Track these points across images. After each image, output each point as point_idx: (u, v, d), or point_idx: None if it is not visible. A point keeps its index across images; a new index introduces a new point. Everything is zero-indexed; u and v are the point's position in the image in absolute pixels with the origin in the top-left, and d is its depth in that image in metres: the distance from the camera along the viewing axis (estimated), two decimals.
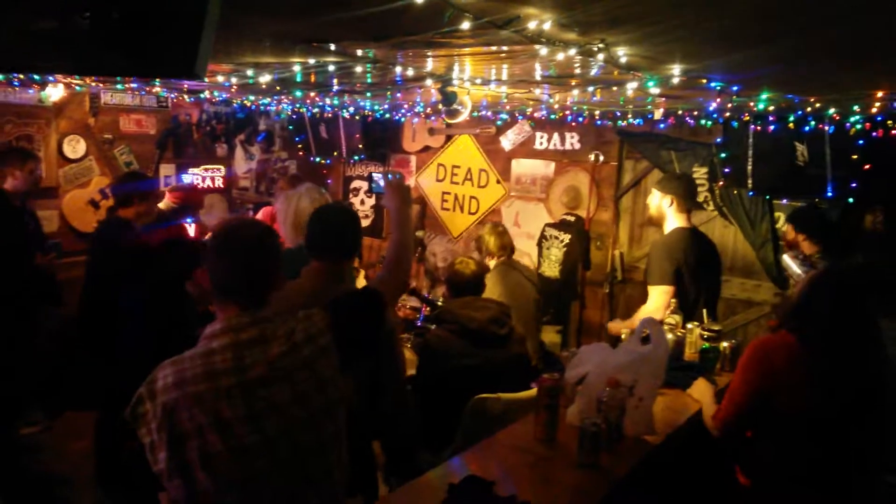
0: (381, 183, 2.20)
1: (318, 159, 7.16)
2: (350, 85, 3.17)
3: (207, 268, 1.67)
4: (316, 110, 6.51)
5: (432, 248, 6.81)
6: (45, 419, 4.63)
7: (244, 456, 1.54)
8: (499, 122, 6.12)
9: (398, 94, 3.49)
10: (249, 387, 1.57)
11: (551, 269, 5.74)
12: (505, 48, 2.19)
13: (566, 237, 5.68)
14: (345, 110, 6.14)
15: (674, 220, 3.58)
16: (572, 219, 5.77)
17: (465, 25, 1.66)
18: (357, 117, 6.49)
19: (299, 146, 7.17)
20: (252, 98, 5.26)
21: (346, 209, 2.60)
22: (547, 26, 1.84)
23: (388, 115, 6.18)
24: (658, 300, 3.35)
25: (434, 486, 2.02)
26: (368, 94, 3.44)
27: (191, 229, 5.94)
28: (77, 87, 4.97)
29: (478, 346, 3.01)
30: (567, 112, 4.76)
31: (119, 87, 4.47)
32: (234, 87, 3.65)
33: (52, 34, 1.17)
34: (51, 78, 4.60)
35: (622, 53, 2.34)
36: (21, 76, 4.55)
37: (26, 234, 4.39)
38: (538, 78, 2.60)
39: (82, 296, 3.95)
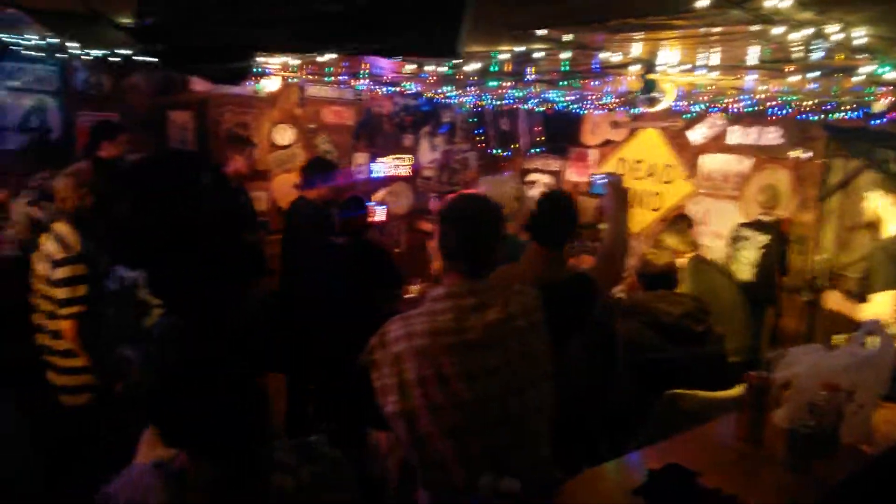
0: (601, 183, 2.24)
1: (497, 151, 7.28)
2: (545, 74, 3.20)
3: (438, 235, 1.80)
4: (497, 103, 6.63)
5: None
6: None
7: (460, 410, 1.65)
8: (686, 116, 5.86)
9: (595, 83, 3.46)
10: (466, 347, 1.67)
11: (743, 272, 5.39)
12: (721, 29, 2.10)
13: (763, 238, 5.30)
14: (526, 103, 6.19)
15: None
16: (770, 219, 5.38)
17: (702, 3, 1.62)
18: (538, 110, 6.52)
19: (479, 138, 7.34)
20: (445, 89, 5.46)
21: (568, 196, 2.67)
22: (784, 4, 1.75)
23: (570, 108, 6.14)
24: (883, 307, 3.07)
25: (627, 471, 2.01)
26: (563, 83, 3.44)
27: (381, 213, 6.32)
28: (290, 79, 5.45)
29: (672, 341, 2.93)
30: (770, 104, 4.45)
31: (327, 79, 4.84)
32: (433, 77, 3.82)
33: (332, 16, 1.32)
34: (268, 70, 5.08)
35: (860, 34, 2.16)
36: None
37: (241, 212, 4.90)
38: (750, 63, 2.47)
39: (280, 268, 4.37)
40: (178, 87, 5.39)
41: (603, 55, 2.69)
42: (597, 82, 3.40)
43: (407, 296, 5.49)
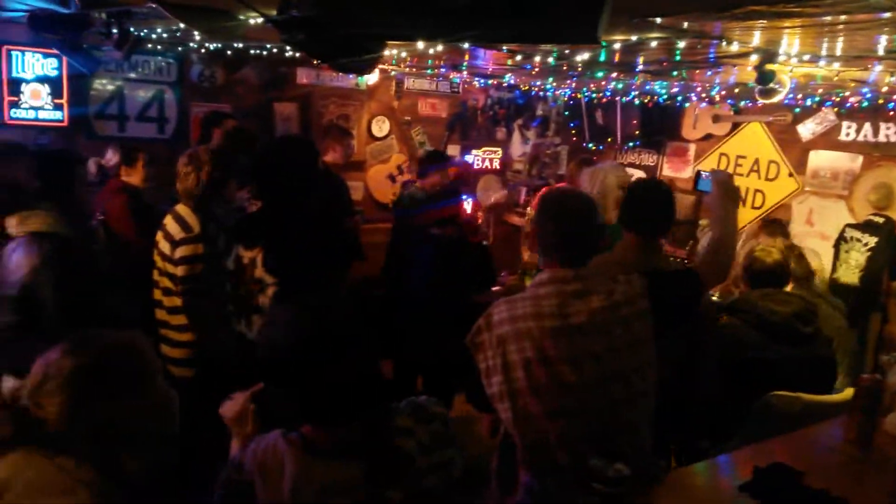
0: (708, 180, 2.20)
1: (590, 145, 7.20)
2: (654, 64, 3.15)
3: (537, 228, 1.84)
4: (593, 95, 6.56)
5: (704, 243, 6.50)
6: None
7: (564, 392, 1.68)
8: (797, 110, 5.61)
9: (708, 73, 3.38)
10: (570, 332, 1.70)
11: (849, 275, 5.14)
12: (846, 17, 2.02)
13: (871, 240, 5.04)
14: (626, 95, 6.10)
15: None
16: (881, 220, 5.09)
17: None
18: (636, 103, 6.40)
19: (573, 131, 7.28)
20: (541, 82, 5.45)
21: (664, 185, 2.63)
22: None
23: (669, 101, 6.00)
24: None
25: (731, 468, 1.98)
26: (674, 73, 3.38)
27: (468, 205, 6.37)
28: (400, 72, 5.59)
29: (777, 342, 2.84)
30: (892, 97, 4.20)
31: (428, 71, 4.93)
32: (536, 69, 3.84)
33: (473, 5, 1.37)
34: None
35: None
36: None
37: (339, 200, 5.07)
38: (881, 53, 2.35)
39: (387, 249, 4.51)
40: (284, 80, 5.63)
41: (722, 43, 2.62)
42: (709, 73, 3.32)
43: (495, 288, 5.55)
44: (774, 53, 2.48)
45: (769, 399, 2.72)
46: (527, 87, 6.43)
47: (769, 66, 2.69)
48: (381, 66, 5.46)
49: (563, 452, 1.69)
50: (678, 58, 2.86)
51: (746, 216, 6.15)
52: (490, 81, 6.09)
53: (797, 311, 2.86)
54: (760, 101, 4.55)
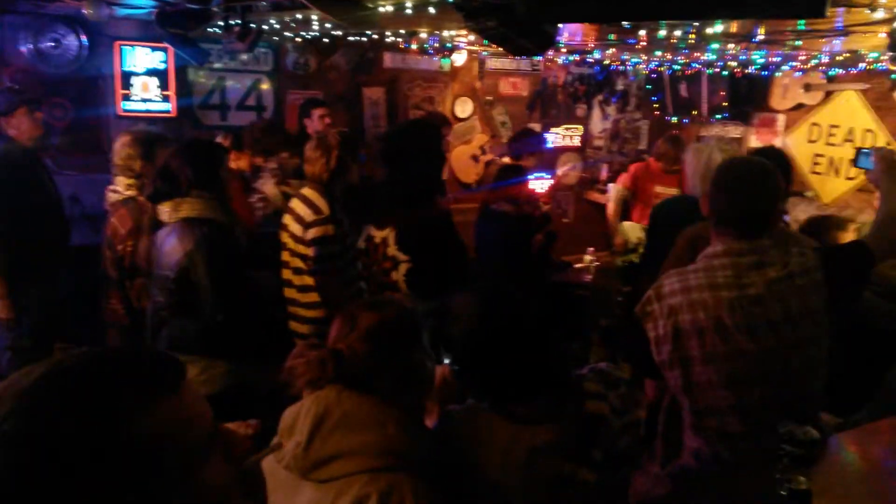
0: (869, 157, 2.17)
1: (674, 118, 7.10)
2: (774, 35, 3.11)
3: (710, 198, 1.88)
4: (677, 68, 6.45)
5: (796, 215, 6.35)
6: None
7: (740, 359, 1.73)
8: (894, 76, 5.41)
9: (835, 43, 3.31)
10: (748, 301, 1.74)
11: None
12: None
13: None
14: (714, 66, 5.98)
15: None
16: None
17: None
18: (724, 73, 6.27)
19: (655, 105, 7.19)
20: (625, 56, 5.41)
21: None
22: None
23: (764, 72, 5.86)
24: None
25: (876, 435, 2.00)
26: (797, 42, 3.32)
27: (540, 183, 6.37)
28: (483, 52, 5.64)
29: None
30: None
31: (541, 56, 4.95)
32: (642, 42, 3.82)
33: None
34: (461, 45, 5.29)
35: None
36: (436, 45, 5.32)
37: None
38: None
39: None
40: (372, 65, 5.74)
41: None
42: (837, 41, 3.25)
43: (579, 266, 5.57)
44: None
45: None
46: (608, 62, 6.37)
47: None
48: (468, 48, 5.51)
49: (735, 420, 1.74)
50: (802, 26, 2.81)
51: (839, 186, 5.99)
52: (571, 58, 6.05)
53: None
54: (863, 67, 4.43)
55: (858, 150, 2.28)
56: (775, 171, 1.89)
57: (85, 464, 0.65)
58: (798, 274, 1.78)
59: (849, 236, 3.17)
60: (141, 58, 4.77)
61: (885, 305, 2.83)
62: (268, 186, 3.79)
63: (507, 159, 5.07)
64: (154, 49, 4.78)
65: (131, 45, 4.71)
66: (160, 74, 4.85)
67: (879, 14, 2.36)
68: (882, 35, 2.73)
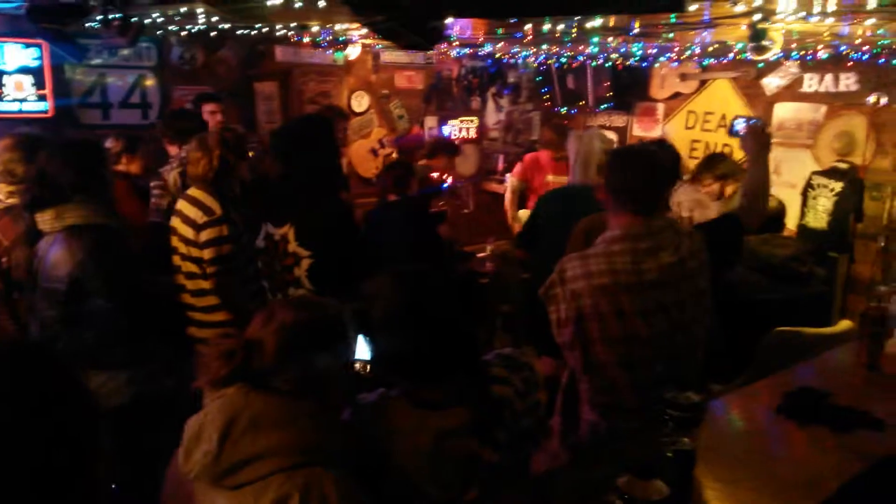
0: (740, 128, 2.37)
1: (562, 109, 7.37)
2: (649, 27, 3.30)
3: (606, 180, 1.97)
4: (564, 61, 6.70)
5: (677, 198, 6.75)
6: None
7: (635, 342, 1.85)
8: (760, 65, 5.86)
9: (705, 34, 3.55)
10: (644, 287, 1.86)
11: (817, 220, 5.46)
12: None
13: (837, 186, 5.35)
14: (597, 59, 6.25)
15: None
16: (845, 166, 5.41)
17: None
18: (606, 66, 6.57)
19: (545, 97, 7.43)
20: (516, 50, 5.56)
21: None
22: None
23: (637, 62, 6.18)
24: None
25: (761, 395, 2.19)
26: (671, 35, 3.53)
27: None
28: (377, 46, 5.63)
29: (777, 283, 3.08)
30: (858, 49, 4.45)
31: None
32: (529, 36, 3.95)
33: None
34: (354, 38, 5.26)
35: None
36: (328, 38, 5.27)
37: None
38: (872, 7, 2.52)
39: None
40: (262, 58, 5.61)
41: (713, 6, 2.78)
42: (705, 34, 3.48)
43: (480, 255, 5.71)
44: (773, 11, 2.65)
45: (773, 336, 2.96)
46: (500, 55, 6.52)
47: (762, 25, 2.87)
48: (362, 41, 5.49)
49: (631, 395, 1.86)
50: (673, 19, 3.01)
51: None
52: (464, 51, 6.16)
53: (794, 254, 3.10)
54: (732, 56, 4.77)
55: (732, 122, 2.48)
56: (660, 155, 2.02)
57: None
58: (688, 257, 1.92)
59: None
60: (12, 55, 4.44)
61: (756, 278, 3.09)
62: (172, 174, 3.63)
63: (394, 154, 5.13)
64: (27, 45, 4.47)
65: (1, 42, 4.39)
66: (35, 72, 4.54)
67: (740, 8, 2.58)
68: (744, 27, 2.97)
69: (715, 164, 3.95)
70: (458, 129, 7.05)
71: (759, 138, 2.34)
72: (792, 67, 5.72)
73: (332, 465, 1.30)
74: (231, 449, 1.28)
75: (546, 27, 3.39)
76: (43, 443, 0.90)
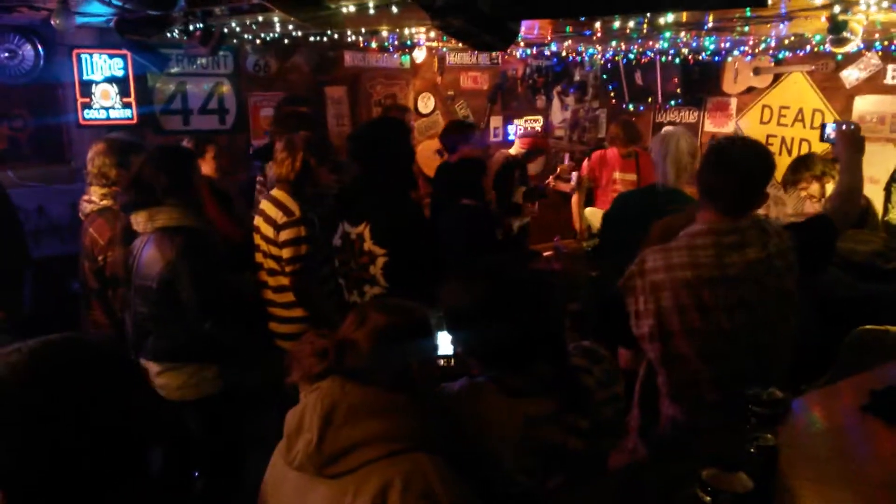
0: (833, 133, 2.30)
1: (630, 106, 7.26)
2: (723, 21, 3.24)
3: (701, 175, 1.96)
4: (632, 58, 6.61)
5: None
6: None
7: (717, 336, 1.83)
8: (839, 57, 5.64)
9: (781, 27, 3.46)
10: (727, 281, 1.85)
11: None
12: None
13: None
14: (667, 55, 6.15)
15: None
16: None
17: None
18: (676, 61, 6.44)
19: (612, 94, 7.34)
20: (582, 47, 5.53)
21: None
22: None
23: (709, 56, 6.04)
24: None
25: (843, 395, 2.13)
26: (745, 28, 3.46)
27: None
28: (442, 49, 5.70)
29: (861, 280, 2.97)
30: None
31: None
32: (598, 33, 3.93)
33: None
34: (420, 41, 5.35)
35: None
36: (396, 42, 5.37)
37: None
38: None
39: None
40: (333, 64, 5.76)
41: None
42: (780, 25, 3.40)
43: (546, 254, 5.69)
44: (855, 2, 2.57)
45: (858, 334, 2.86)
46: (565, 53, 6.49)
47: (843, 17, 2.77)
48: (428, 44, 5.57)
49: (712, 390, 1.85)
50: (749, 13, 2.95)
51: None
52: (529, 50, 6.16)
53: (878, 250, 2.99)
54: (809, 49, 4.61)
55: (822, 126, 2.39)
56: (770, 154, 1.98)
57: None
58: (776, 255, 1.89)
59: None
60: (100, 65, 4.72)
61: (839, 274, 2.99)
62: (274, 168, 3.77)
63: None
64: (112, 56, 4.73)
65: (89, 53, 4.66)
66: (120, 81, 4.81)
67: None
68: (823, 19, 2.88)
69: (811, 163, 3.83)
70: (523, 128, 7.05)
71: (854, 143, 2.26)
72: (873, 59, 5.49)
73: (431, 450, 1.33)
74: (333, 437, 1.31)
75: (616, 24, 3.37)
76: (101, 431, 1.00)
